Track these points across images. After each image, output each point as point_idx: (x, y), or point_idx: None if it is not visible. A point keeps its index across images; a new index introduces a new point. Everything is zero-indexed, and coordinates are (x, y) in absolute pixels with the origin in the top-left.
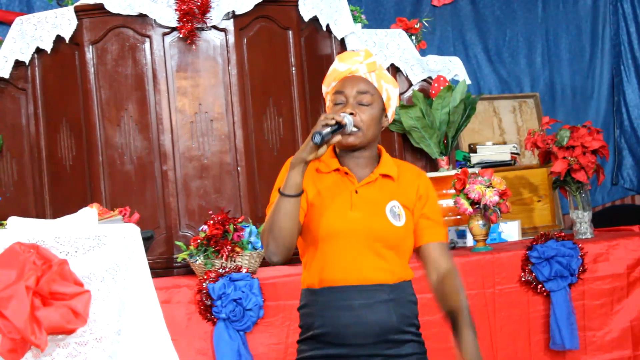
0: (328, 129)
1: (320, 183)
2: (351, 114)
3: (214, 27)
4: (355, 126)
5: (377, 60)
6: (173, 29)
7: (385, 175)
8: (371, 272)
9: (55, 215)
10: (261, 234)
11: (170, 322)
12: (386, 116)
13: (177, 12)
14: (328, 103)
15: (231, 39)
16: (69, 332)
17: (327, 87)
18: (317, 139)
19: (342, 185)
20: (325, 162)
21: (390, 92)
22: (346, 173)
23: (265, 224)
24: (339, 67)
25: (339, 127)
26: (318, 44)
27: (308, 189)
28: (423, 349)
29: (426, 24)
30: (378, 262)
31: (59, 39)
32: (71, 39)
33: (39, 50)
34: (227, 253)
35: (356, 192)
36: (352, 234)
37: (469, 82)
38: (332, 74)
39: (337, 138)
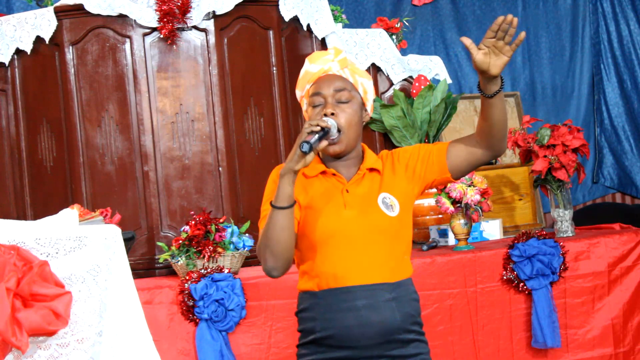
0: (315, 137)
1: (311, 187)
2: (332, 114)
3: (195, 27)
4: (337, 129)
5: (348, 56)
6: (153, 29)
7: (371, 169)
8: (372, 271)
9: (36, 216)
10: (257, 250)
11: (152, 323)
12: (366, 110)
13: (158, 13)
14: (305, 107)
15: (212, 39)
16: (50, 333)
17: (302, 90)
18: (306, 147)
19: (332, 186)
20: (311, 165)
21: (366, 86)
22: (334, 174)
23: (261, 240)
24: (311, 68)
25: (325, 132)
26: (299, 44)
27: (299, 196)
28: (427, 348)
29: (407, 24)
30: (378, 260)
31: (38, 40)
32: (51, 39)
33: (18, 51)
34: (209, 253)
35: (347, 191)
36: (349, 233)
37: (449, 81)
38: (305, 77)
39: (324, 144)
